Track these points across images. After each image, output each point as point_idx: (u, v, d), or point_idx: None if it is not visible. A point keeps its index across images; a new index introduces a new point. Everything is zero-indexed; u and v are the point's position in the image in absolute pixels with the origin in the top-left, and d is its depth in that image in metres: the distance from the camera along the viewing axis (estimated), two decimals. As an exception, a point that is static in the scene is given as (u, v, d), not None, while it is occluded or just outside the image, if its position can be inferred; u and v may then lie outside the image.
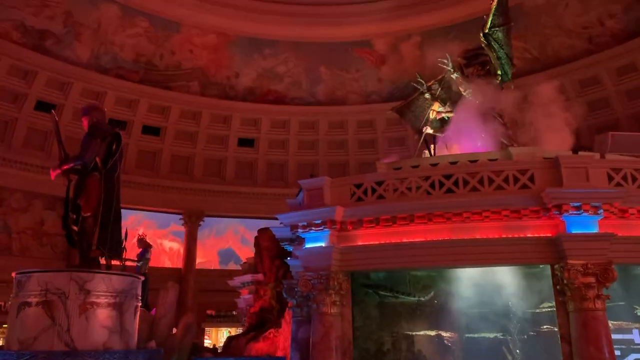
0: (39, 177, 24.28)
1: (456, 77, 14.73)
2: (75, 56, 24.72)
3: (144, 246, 17.54)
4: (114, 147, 9.76)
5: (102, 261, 10.16)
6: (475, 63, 15.26)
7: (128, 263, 15.38)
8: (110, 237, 9.57)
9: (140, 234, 17.13)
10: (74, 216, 9.45)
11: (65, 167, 9.57)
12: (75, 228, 9.59)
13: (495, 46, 14.21)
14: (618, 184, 10.84)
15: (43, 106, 24.51)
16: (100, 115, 10.25)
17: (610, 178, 10.93)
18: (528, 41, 25.09)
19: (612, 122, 23.83)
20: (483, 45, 14.52)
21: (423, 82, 15.49)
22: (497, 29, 14.17)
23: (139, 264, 17.21)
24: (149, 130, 27.48)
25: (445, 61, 14.73)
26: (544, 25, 24.84)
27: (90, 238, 9.49)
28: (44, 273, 9.67)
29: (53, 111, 10.47)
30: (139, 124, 27.07)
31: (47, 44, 23.91)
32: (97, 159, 9.44)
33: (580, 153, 12.03)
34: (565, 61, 24.84)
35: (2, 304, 22.78)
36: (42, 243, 24.66)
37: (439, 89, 15.52)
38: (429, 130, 15.46)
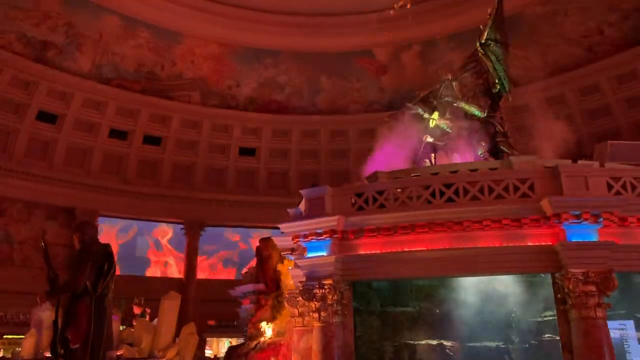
0: (40, 187, 24.42)
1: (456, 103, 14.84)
2: (77, 67, 24.88)
3: (142, 310, 17.68)
4: (106, 267, 9.44)
5: None
6: (469, 69, 15.31)
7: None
8: None
9: (136, 301, 17.25)
10: (62, 351, 9.05)
11: (54, 295, 9.31)
12: None
13: (492, 58, 14.30)
14: (618, 193, 10.85)
15: (45, 116, 24.68)
16: (93, 232, 9.82)
17: (610, 187, 10.94)
18: (528, 50, 25.19)
19: (613, 130, 23.89)
20: (480, 54, 14.61)
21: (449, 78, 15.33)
22: (493, 42, 14.28)
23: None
24: (150, 140, 27.61)
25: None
26: (544, 33, 24.96)
27: None
28: None
29: (42, 241, 10.09)
30: (140, 134, 27.19)
31: (49, 55, 24.07)
32: (88, 282, 9.16)
33: (580, 162, 12.05)
34: (566, 69, 24.94)
35: (3, 314, 22.75)
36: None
37: (439, 96, 15.53)
38: (429, 139, 15.48)
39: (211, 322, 26.76)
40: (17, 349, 17.12)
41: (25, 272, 23.50)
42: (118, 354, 12.92)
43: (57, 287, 8.95)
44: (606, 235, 10.54)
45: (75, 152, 25.82)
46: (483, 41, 14.36)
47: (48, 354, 10.41)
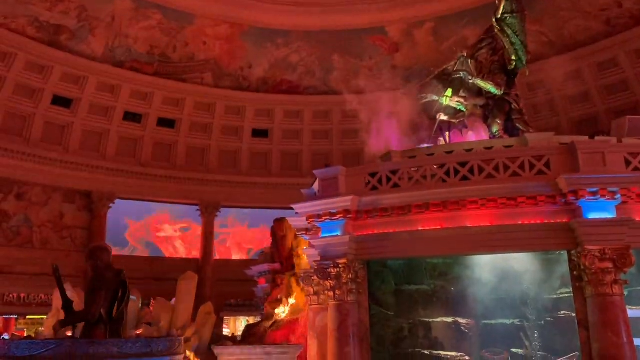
0: (57, 171, 24.70)
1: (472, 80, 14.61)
2: (90, 50, 24.92)
3: None
4: (120, 293, 9.37)
5: None
6: (485, 45, 15.06)
7: None
8: None
9: (152, 302, 17.43)
10: None
11: (68, 325, 9.29)
12: None
13: (509, 32, 14.02)
14: (636, 169, 10.72)
15: (60, 101, 24.84)
16: (107, 257, 9.72)
17: (628, 163, 10.81)
18: (544, 25, 24.68)
19: (631, 105, 23.43)
20: (496, 30, 14.36)
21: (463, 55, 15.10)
22: (510, 15, 13.99)
23: None
24: (164, 122, 27.67)
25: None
26: (560, 7, 24.40)
27: None
28: None
29: (55, 266, 10.02)
30: (155, 117, 27.26)
31: (62, 39, 24.12)
32: (102, 310, 9.12)
33: (597, 138, 11.90)
34: (583, 44, 24.42)
35: (26, 295, 23.26)
36: (62, 236, 25.10)
37: (453, 73, 15.31)
38: (443, 117, 15.35)
39: (228, 301, 27.03)
40: (40, 328, 17.53)
41: (45, 254, 23.93)
42: (137, 332, 13.17)
43: (71, 316, 9.00)
44: (624, 212, 10.45)
45: (90, 135, 26.02)
46: (499, 16, 14.11)
47: (69, 333, 10.68)
